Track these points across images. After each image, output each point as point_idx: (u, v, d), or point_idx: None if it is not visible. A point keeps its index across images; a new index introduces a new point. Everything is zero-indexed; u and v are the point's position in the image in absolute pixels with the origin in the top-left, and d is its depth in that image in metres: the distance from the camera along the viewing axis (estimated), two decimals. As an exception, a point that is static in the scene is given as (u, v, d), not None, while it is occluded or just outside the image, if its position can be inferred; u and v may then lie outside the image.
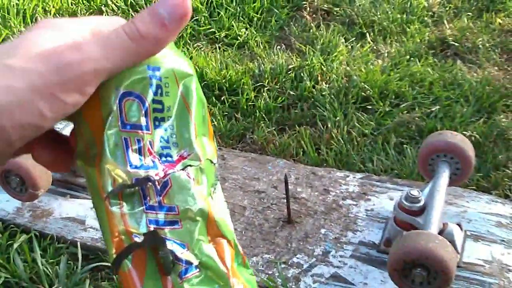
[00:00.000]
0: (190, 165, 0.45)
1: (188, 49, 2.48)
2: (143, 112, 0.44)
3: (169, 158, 0.44)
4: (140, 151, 0.44)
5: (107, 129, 0.43)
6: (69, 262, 1.56)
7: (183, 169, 0.45)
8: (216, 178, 0.47)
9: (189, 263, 0.44)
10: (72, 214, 1.71)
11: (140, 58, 0.42)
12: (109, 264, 1.53)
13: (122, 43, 0.41)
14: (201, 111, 0.47)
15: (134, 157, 0.43)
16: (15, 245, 1.57)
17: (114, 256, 0.43)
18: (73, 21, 0.43)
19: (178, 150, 0.45)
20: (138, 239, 0.43)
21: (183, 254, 0.44)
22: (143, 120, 0.44)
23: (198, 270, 0.44)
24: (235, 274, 0.46)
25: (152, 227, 0.43)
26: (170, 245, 0.43)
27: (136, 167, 0.43)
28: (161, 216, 0.44)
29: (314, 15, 2.73)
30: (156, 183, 0.44)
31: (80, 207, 1.72)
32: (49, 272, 1.53)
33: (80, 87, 0.40)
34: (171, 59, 0.45)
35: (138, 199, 0.44)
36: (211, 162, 0.47)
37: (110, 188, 0.43)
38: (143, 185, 0.43)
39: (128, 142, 0.43)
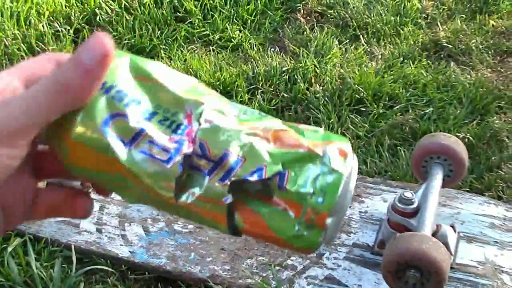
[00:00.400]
0: (200, 113, 0.45)
1: (182, 51, 2.48)
2: (132, 121, 0.44)
3: (182, 127, 0.45)
4: (160, 147, 0.44)
5: (121, 160, 0.43)
6: (63, 265, 1.56)
7: (199, 122, 0.45)
8: (227, 100, 0.47)
9: (276, 174, 0.44)
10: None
11: (71, 106, 0.43)
12: (104, 267, 1.53)
13: (47, 98, 0.41)
14: (161, 71, 0.47)
15: (161, 155, 0.44)
16: (9, 249, 1.57)
17: (227, 228, 0.44)
18: (5, 73, 0.43)
19: (181, 114, 0.45)
20: (229, 200, 0.43)
21: (266, 173, 0.44)
22: (138, 126, 0.44)
23: (287, 170, 0.44)
24: (314, 143, 0.46)
25: (227, 182, 0.43)
26: (253, 178, 0.43)
27: (169, 159, 0.44)
28: (224, 168, 0.44)
29: (308, 18, 2.74)
30: (194, 151, 0.44)
31: (74, 210, 1.72)
32: (44, 275, 1.53)
33: (12, 142, 0.41)
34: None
35: (197, 176, 0.44)
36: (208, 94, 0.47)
37: (170, 194, 0.43)
38: (190, 164, 0.44)
39: (146, 150, 0.44)
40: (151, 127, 0.44)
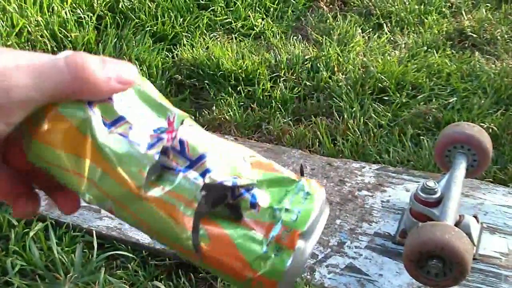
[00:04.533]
0: (183, 121, 0.45)
1: (204, 39, 2.48)
2: (117, 106, 0.44)
3: (162, 128, 0.44)
4: (139, 135, 0.43)
5: (98, 139, 0.43)
6: (84, 250, 1.57)
7: (181, 124, 0.44)
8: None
9: (251, 187, 0.44)
10: (88, 202, 1.72)
11: (75, 95, 0.42)
12: (125, 253, 1.53)
13: (58, 76, 0.40)
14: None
15: (139, 141, 0.43)
16: (31, 233, 1.58)
17: (190, 236, 0.42)
18: (7, 50, 0.42)
19: (163, 118, 0.44)
20: (200, 200, 0.42)
21: (241, 183, 0.43)
22: (122, 112, 0.43)
23: (262, 188, 0.44)
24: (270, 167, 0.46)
25: (201, 182, 0.43)
26: (228, 183, 0.43)
27: (147, 147, 0.43)
28: (200, 169, 0.43)
29: (331, 6, 2.72)
30: (173, 146, 0.43)
31: (95, 196, 1.72)
32: (65, 260, 1.53)
33: (6, 116, 0.39)
34: None
35: (169, 175, 0.43)
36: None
37: (139, 181, 0.42)
38: (166, 157, 0.43)
39: (124, 134, 0.43)
40: (134, 118, 0.44)
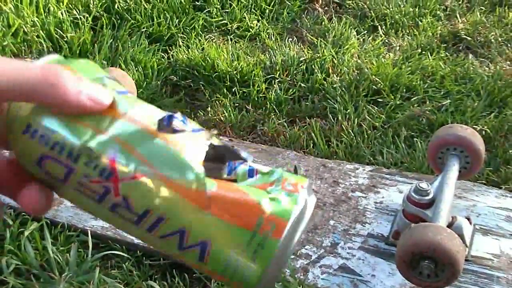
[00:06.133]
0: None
1: (200, 40, 2.49)
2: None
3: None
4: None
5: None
6: (79, 250, 1.57)
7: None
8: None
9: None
10: (83, 202, 1.72)
11: (46, 97, 0.42)
12: (120, 253, 1.54)
13: (31, 73, 0.41)
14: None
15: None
16: (26, 233, 1.58)
17: (202, 176, 0.43)
18: None
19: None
20: (208, 151, 0.44)
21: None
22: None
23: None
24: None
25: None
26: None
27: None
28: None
29: (326, 8, 2.73)
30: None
31: (91, 196, 1.73)
32: (60, 259, 1.54)
33: None
34: None
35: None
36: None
37: (155, 123, 0.43)
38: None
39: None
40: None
